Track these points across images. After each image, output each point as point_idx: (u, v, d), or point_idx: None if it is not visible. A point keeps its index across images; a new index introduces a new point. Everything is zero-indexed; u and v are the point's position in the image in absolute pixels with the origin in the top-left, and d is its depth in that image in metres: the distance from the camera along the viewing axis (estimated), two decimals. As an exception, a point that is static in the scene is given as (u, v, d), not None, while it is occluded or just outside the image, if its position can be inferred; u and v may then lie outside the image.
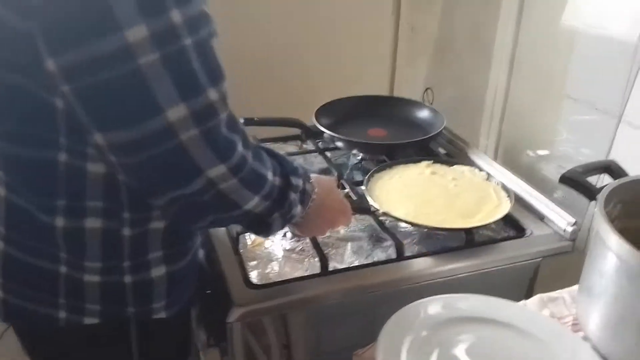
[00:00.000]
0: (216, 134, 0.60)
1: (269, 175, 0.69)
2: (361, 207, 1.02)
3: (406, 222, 0.98)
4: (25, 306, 0.73)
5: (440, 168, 1.16)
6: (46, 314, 0.72)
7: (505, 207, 1.02)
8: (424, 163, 1.17)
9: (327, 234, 1.01)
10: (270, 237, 1.01)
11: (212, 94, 0.58)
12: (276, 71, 1.47)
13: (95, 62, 0.53)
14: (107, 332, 0.75)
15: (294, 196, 0.74)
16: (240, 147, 0.63)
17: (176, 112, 0.56)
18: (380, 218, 1.02)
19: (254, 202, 0.67)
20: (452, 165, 1.17)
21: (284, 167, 0.73)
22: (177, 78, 0.55)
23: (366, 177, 1.10)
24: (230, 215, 0.68)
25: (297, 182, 0.75)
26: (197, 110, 0.57)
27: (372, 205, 1.02)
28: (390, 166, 1.16)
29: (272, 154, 0.73)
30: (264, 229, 0.75)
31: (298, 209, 0.76)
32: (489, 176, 1.12)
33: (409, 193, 1.07)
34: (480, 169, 1.15)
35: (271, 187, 0.69)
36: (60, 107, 0.60)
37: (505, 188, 1.07)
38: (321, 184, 0.82)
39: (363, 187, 1.07)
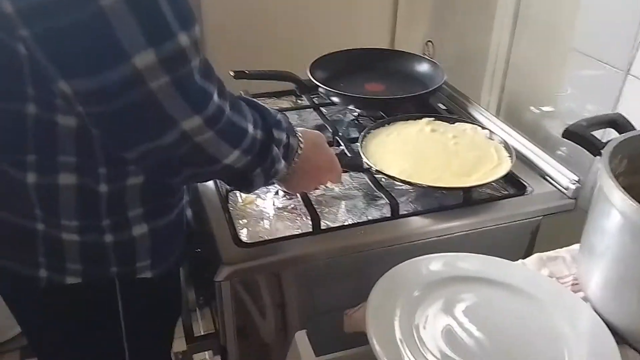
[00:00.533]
0: (188, 82, 0.55)
1: (250, 128, 0.65)
2: (352, 164, 0.98)
3: (399, 180, 0.94)
4: (5, 265, 0.71)
5: (441, 125, 1.12)
6: (27, 274, 0.70)
7: (504, 167, 0.98)
8: (425, 120, 1.12)
9: (319, 191, 0.98)
10: (259, 194, 0.98)
11: (183, 39, 0.54)
12: (269, 22, 1.41)
13: (53, 3, 0.49)
14: (91, 292, 0.73)
15: (276, 151, 0.70)
16: (216, 97, 0.59)
17: (144, 59, 0.51)
18: (375, 176, 0.99)
19: (233, 157, 0.64)
20: (454, 122, 1.12)
21: (266, 120, 0.69)
22: (144, 21, 0.51)
23: (362, 134, 1.06)
24: (209, 169, 0.64)
25: (281, 135, 0.71)
26: (166, 56, 0.53)
27: (365, 163, 0.98)
28: (388, 123, 1.11)
29: (253, 106, 0.69)
30: (246, 184, 0.72)
31: (282, 164, 0.73)
32: (491, 134, 1.07)
33: (406, 151, 1.03)
34: (483, 127, 1.10)
35: (252, 140, 0.65)
36: (23, 53, 0.56)
37: (507, 147, 1.03)
38: (308, 138, 0.78)
39: (358, 144, 1.03)
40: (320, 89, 1.22)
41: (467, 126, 1.11)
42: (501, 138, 1.06)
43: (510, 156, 1.00)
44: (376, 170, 0.97)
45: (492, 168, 0.98)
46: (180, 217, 0.78)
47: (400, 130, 1.10)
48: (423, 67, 1.33)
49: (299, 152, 0.76)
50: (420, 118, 1.13)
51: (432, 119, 1.12)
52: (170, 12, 0.52)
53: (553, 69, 1.14)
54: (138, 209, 0.70)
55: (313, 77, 1.23)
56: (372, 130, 1.08)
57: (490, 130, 1.08)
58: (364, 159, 0.99)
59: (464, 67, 1.40)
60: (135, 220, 0.70)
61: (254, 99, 0.72)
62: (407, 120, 1.12)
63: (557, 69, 1.13)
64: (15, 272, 0.71)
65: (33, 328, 0.81)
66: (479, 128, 1.10)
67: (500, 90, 1.30)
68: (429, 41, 1.45)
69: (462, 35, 1.41)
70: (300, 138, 0.76)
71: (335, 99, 1.21)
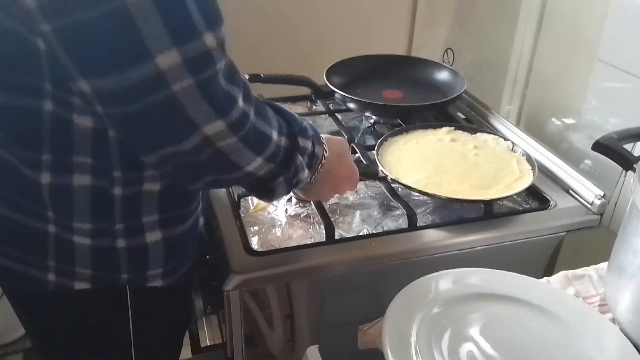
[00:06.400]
0: (213, 85, 0.53)
1: (274, 135, 0.62)
2: (367, 172, 0.95)
3: (415, 190, 0.91)
4: (13, 267, 0.69)
5: (462, 135, 1.08)
6: (35, 277, 0.68)
7: (526, 180, 0.94)
8: (445, 129, 1.09)
9: (333, 199, 0.95)
10: (274, 202, 0.95)
11: (209, 39, 0.51)
12: (285, 25, 1.39)
13: None
14: (100, 298, 0.70)
15: (301, 159, 0.67)
16: (240, 102, 0.56)
17: (167, 59, 0.49)
18: (392, 185, 0.96)
19: (256, 164, 0.61)
20: (475, 132, 1.09)
21: (292, 127, 0.66)
22: (168, 19, 0.49)
23: (379, 141, 1.03)
24: (230, 176, 0.62)
25: (306, 144, 0.68)
26: (191, 57, 0.50)
27: (381, 171, 0.95)
28: (406, 130, 1.08)
29: (278, 111, 0.67)
30: (267, 193, 0.69)
31: (305, 173, 0.70)
32: (513, 146, 1.04)
33: (423, 160, 1.00)
34: (505, 139, 1.07)
35: (276, 148, 0.63)
36: (42, 49, 0.54)
37: (529, 159, 1.00)
38: (332, 146, 0.75)
39: (374, 151, 1.00)
40: (336, 95, 1.19)
41: (489, 137, 1.07)
42: (523, 150, 1.02)
43: (532, 169, 0.97)
44: (392, 179, 0.94)
45: (513, 181, 0.94)
46: (195, 226, 0.76)
47: (419, 138, 1.07)
48: (443, 75, 1.30)
49: (323, 161, 0.73)
50: (440, 127, 1.09)
51: (453, 128, 1.09)
52: (196, 11, 0.50)
53: (577, 80, 1.11)
54: (153, 216, 0.68)
55: (329, 83, 1.20)
56: (389, 138, 1.05)
57: (512, 142, 1.04)
58: (380, 167, 0.95)
59: (485, 76, 1.37)
60: (150, 227, 0.68)
61: (280, 105, 0.69)
62: (427, 128, 1.09)
63: (582, 79, 1.09)
64: (22, 274, 0.68)
65: (39, 332, 0.79)
66: (501, 139, 1.06)
67: (521, 99, 1.27)
68: (449, 49, 1.42)
69: (483, 42, 1.38)
70: (325, 147, 0.73)
71: (351, 105, 1.18)
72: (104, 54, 0.50)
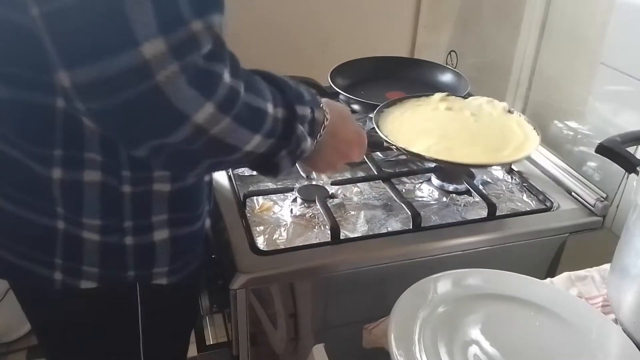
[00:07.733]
0: (197, 67, 0.50)
1: (269, 108, 0.58)
2: (373, 141, 0.89)
3: (427, 159, 0.88)
4: (20, 264, 0.69)
5: (455, 101, 1.07)
6: (42, 275, 0.68)
7: (534, 140, 0.93)
8: (437, 96, 1.08)
9: (337, 199, 0.96)
10: (277, 202, 0.97)
11: (196, 26, 0.49)
12: (290, 28, 1.40)
13: None
14: (106, 297, 0.71)
15: (301, 129, 0.63)
16: (227, 77, 0.52)
17: (153, 47, 0.47)
18: (400, 157, 0.94)
19: (255, 142, 0.57)
20: (468, 97, 1.08)
21: (286, 95, 0.61)
22: (159, 7, 0.47)
23: (375, 112, 1.00)
24: (230, 159, 0.59)
25: (304, 111, 0.63)
26: (176, 43, 0.48)
27: (385, 140, 0.92)
28: (400, 101, 1.07)
29: (269, 79, 0.62)
30: (272, 169, 0.65)
31: (308, 142, 0.65)
32: (509, 107, 1.03)
33: (426, 128, 0.97)
34: (500, 100, 1.05)
35: (273, 121, 0.59)
36: None
37: (529, 121, 0.99)
38: (333, 110, 0.71)
39: (372, 122, 0.98)
40: (340, 96, 1.20)
41: (483, 100, 1.07)
42: (520, 112, 1.02)
43: (535, 129, 0.96)
44: (398, 148, 0.91)
45: (521, 142, 0.94)
46: (202, 227, 0.76)
47: (415, 108, 1.05)
48: (446, 77, 1.32)
49: (325, 124, 0.68)
50: (432, 94, 1.09)
51: (445, 93, 1.09)
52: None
53: (580, 83, 1.11)
54: (163, 215, 0.68)
55: (333, 84, 1.21)
56: (385, 109, 1.03)
57: (507, 104, 1.04)
58: (382, 136, 0.93)
59: (487, 78, 1.37)
60: (158, 226, 0.68)
61: (269, 71, 0.64)
62: (420, 97, 1.09)
63: (584, 82, 1.10)
64: (29, 272, 0.69)
65: (45, 329, 0.79)
66: (496, 101, 1.06)
67: (524, 102, 1.27)
68: (452, 51, 1.43)
69: (486, 45, 1.39)
70: (325, 109, 0.69)
71: (355, 107, 1.19)
72: (88, 41, 0.47)
